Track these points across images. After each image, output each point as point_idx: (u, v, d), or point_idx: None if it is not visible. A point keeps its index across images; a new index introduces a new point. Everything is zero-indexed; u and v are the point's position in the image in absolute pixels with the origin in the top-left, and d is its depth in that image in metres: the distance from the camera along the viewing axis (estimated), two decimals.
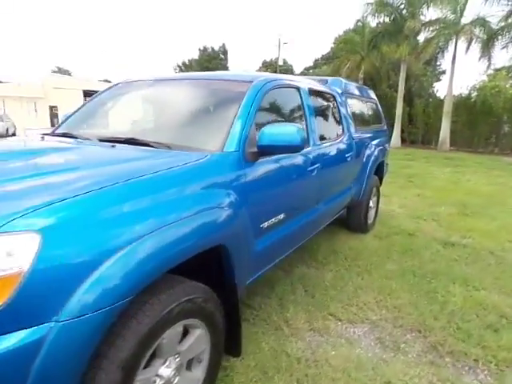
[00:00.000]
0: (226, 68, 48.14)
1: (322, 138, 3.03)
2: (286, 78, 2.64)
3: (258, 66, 55.67)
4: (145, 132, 2.23)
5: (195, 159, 1.69)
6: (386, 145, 5.08)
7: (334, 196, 3.24)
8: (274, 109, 2.48)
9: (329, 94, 3.41)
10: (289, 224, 2.40)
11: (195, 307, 1.53)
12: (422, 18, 17.21)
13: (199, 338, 1.63)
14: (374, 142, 4.42)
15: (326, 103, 3.36)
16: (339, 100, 3.55)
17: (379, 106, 5.19)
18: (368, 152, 4.14)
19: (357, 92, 4.30)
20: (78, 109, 2.66)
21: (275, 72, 36.01)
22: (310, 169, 2.58)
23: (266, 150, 1.97)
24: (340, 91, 3.73)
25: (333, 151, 3.13)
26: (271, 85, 2.34)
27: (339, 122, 3.49)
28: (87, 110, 2.62)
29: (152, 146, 1.88)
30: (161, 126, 2.27)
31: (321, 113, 3.19)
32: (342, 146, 3.38)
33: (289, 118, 2.63)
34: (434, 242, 4.22)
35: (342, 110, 3.56)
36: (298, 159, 2.42)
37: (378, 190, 4.77)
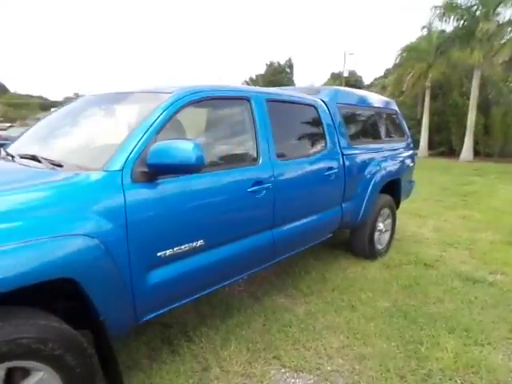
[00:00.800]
0: (291, 82, 48.39)
1: (286, 153, 2.69)
2: (228, 89, 2.38)
3: (326, 78, 55.10)
4: (46, 147, 2.14)
5: (51, 179, 1.54)
6: (408, 160, 4.46)
7: (308, 219, 2.85)
8: (200, 123, 2.24)
9: (306, 104, 3.04)
10: (216, 251, 2.12)
11: (23, 348, 1.34)
12: (497, 18, 15.41)
13: (41, 382, 1.44)
14: (385, 157, 3.89)
15: (298, 114, 3.01)
16: (323, 111, 3.16)
17: (401, 117, 4.60)
18: (372, 168, 3.64)
19: (361, 102, 3.83)
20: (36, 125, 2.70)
21: (340, 84, 35.17)
22: (252, 189, 2.27)
23: (156, 170, 1.74)
24: (328, 100, 3.33)
25: (303, 168, 2.76)
26: (197, 96, 2.10)
27: (321, 135, 3.10)
28: (40, 126, 2.63)
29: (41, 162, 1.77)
30: (57, 142, 2.17)
31: (287, 125, 2.85)
32: (322, 162, 2.98)
33: (222, 132, 2.37)
34: (452, 277, 3.53)
35: (327, 121, 3.15)
36: (223, 179, 2.14)
37: (393, 212, 4.17)
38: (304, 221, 2.81)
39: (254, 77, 49.02)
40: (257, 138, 2.42)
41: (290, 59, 48.31)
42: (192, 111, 2.16)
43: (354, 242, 3.91)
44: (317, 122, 3.09)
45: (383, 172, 3.78)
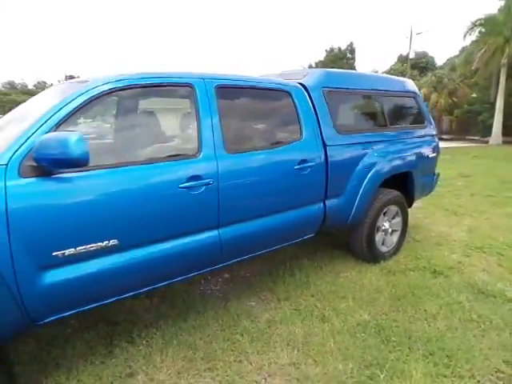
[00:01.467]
0: (352, 68, 46.13)
1: (240, 145, 2.44)
2: (165, 75, 2.17)
3: (393, 61, 51.50)
4: None
5: None
6: (427, 150, 3.88)
7: (270, 218, 2.57)
8: (129, 113, 2.07)
9: (276, 90, 2.72)
10: (137, 252, 1.97)
11: None
12: None
13: None
14: (388, 148, 3.40)
15: (264, 102, 2.69)
16: (300, 97, 2.80)
17: (420, 100, 3.99)
18: (369, 161, 3.19)
19: (358, 85, 3.36)
20: None
21: (406, 67, 32.65)
22: (185, 185, 2.07)
23: (43, 164, 1.63)
24: (312, 85, 2.95)
25: (260, 161, 2.48)
26: (119, 84, 1.94)
27: (294, 125, 2.76)
28: None
29: None
30: None
31: (246, 114, 2.57)
32: (291, 154, 2.65)
33: (154, 123, 2.17)
34: (461, 289, 2.99)
35: (304, 108, 2.79)
36: (143, 174, 1.96)
37: (403, 210, 3.66)
38: (264, 220, 2.53)
39: (313, 64, 47.61)
40: (199, 129, 2.20)
41: (351, 44, 46.09)
42: (118, 100, 2.02)
43: (351, 243, 3.51)
44: (289, 110, 2.75)
45: (384, 165, 3.31)
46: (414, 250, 3.84)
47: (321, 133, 2.89)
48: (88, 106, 1.85)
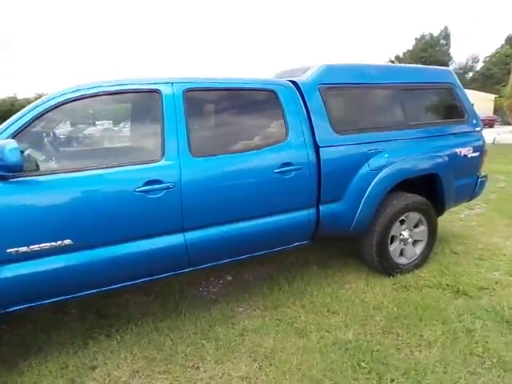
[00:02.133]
0: (446, 55, 41.83)
1: (210, 148, 2.39)
2: (131, 82, 2.21)
3: (499, 44, 45.30)
4: None
5: None
6: (464, 149, 3.33)
7: (247, 223, 2.47)
8: (79, 122, 2.17)
9: (258, 89, 2.58)
10: (94, 253, 2.07)
11: None
12: None
13: None
14: (403, 148, 3.01)
15: (243, 103, 2.58)
16: (287, 96, 2.63)
17: (459, 91, 3.43)
18: (376, 162, 2.87)
19: (368, 79, 3.00)
20: None
21: None
22: (143, 189, 2.11)
23: None
24: (306, 82, 2.75)
25: (232, 164, 2.39)
26: (73, 95, 2.06)
27: (279, 125, 2.59)
28: None
29: None
30: None
31: (221, 117, 2.48)
32: (271, 157, 2.51)
33: (116, 129, 2.22)
34: (482, 314, 2.51)
35: (291, 108, 2.61)
36: (100, 179, 2.04)
37: (429, 218, 3.20)
38: (238, 226, 2.45)
39: (400, 54, 44.43)
40: (163, 134, 2.23)
41: (445, 28, 41.94)
42: (78, 109, 2.15)
43: (361, 252, 3.21)
44: (273, 110, 2.60)
45: (397, 166, 2.94)
46: (445, 263, 3.35)
47: (313, 133, 2.69)
48: (45, 116, 2.00)
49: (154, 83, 2.28)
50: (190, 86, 2.35)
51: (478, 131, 3.52)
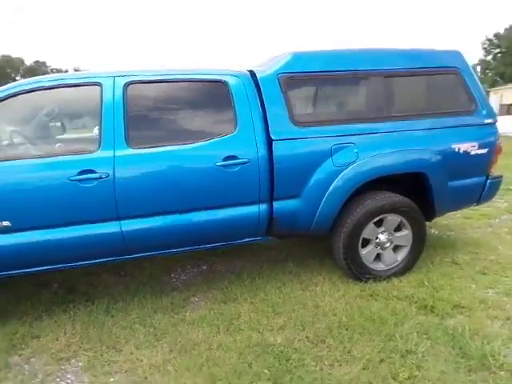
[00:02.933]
0: None
1: (149, 140, 2.42)
2: (75, 77, 2.35)
3: None
4: None
5: None
6: (466, 144, 2.86)
7: (189, 214, 2.47)
8: (30, 113, 2.35)
9: (208, 81, 2.51)
10: (29, 235, 2.27)
11: None
12: None
13: None
14: (390, 142, 2.71)
15: (190, 95, 2.54)
16: (238, 87, 2.51)
17: (467, 76, 2.92)
18: (342, 158, 2.63)
19: (343, 65, 2.70)
20: None
21: None
22: (77, 178, 2.24)
23: None
24: (264, 73, 2.60)
25: (170, 156, 2.40)
26: (25, 87, 2.25)
27: (227, 118, 2.50)
28: None
29: None
30: None
31: (164, 109, 2.47)
32: (215, 150, 2.45)
33: (57, 121, 2.35)
34: (439, 338, 2.19)
35: (241, 100, 2.49)
36: (36, 167, 2.21)
37: (413, 221, 2.85)
38: (178, 217, 2.46)
39: (501, 31, 38.91)
40: (101, 126, 2.32)
41: None
42: (27, 101, 2.34)
43: (332, 254, 2.99)
44: (222, 102, 2.52)
45: (367, 163, 2.66)
46: (435, 274, 2.96)
47: (267, 126, 2.56)
48: None
49: (98, 76, 2.38)
50: (132, 80, 2.40)
51: (489, 124, 3.00)
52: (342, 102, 2.89)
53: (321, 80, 2.77)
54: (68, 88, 2.38)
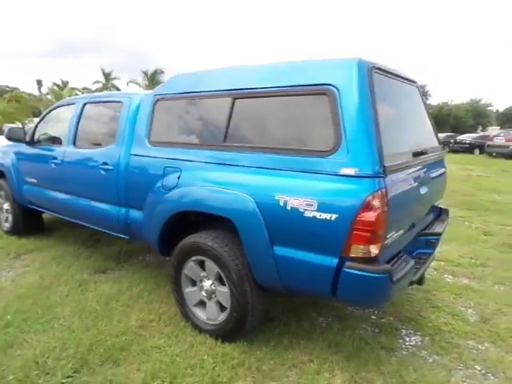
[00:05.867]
0: None
1: (80, 142, 3.42)
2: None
3: None
4: None
5: None
6: (300, 200, 1.86)
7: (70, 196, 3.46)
8: None
9: (114, 101, 3.08)
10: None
11: None
12: None
13: None
14: (201, 174, 2.32)
15: (104, 113, 3.19)
16: (126, 107, 2.98)
17: (344, 103, 1.77)
18: (167, 182, 2.51)
19: (209, 86, 2.38)
20: None
21: None
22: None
23: None
24: (149, 93, 2.90)
25: (80, 154, 3.36)
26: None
27: (114, 132, 3.04)
28: None
29: None
30: None
31: (90, 121, 3.33)
32: (100, 156, 3.11)
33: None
34: None
35: (124, 118, 2.98)
36: None
37: (231, 278, 2.23)
38: (71, 197, 3.43)
39: None
40: (68, 130, 3.55)
41: None
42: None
43: None
44: (116, 119, 3.06)
45: (180, 192, 2.40)
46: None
47: (128, 141, 2.92)
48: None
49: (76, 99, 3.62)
50: (88, 100, 3.47)
51: (350, 176, 1.79)
52: (191, 125, 2.59)
53: (180, 101, 2.67)
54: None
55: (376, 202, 1.76)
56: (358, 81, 1.89)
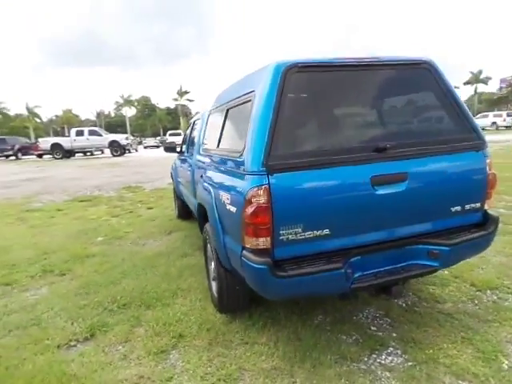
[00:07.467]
0: None
1: None
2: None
3: None
4: None
5: None
6: (225, 193, 2.14)
7: None
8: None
9: None
10: None
11: None
12: None
13: None
14: None
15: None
16: None
17: (256, 104, 1.90)
18: None
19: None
20: None
21: None
22: None
23: None
24: None
25: None
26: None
27: None
28: None
29: None
30: None
31: None
32: None
33: None
34: None
35: None
36: None
37: None
38: None
39: None
40: None
41: None
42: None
43: None
44: None
45: None
46: None
47: None
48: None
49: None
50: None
51: (244, 174, 1.95)
52: None
53: None
54: None
55: (256, 198, 1.90)
56: (266, 85, 2.04)
